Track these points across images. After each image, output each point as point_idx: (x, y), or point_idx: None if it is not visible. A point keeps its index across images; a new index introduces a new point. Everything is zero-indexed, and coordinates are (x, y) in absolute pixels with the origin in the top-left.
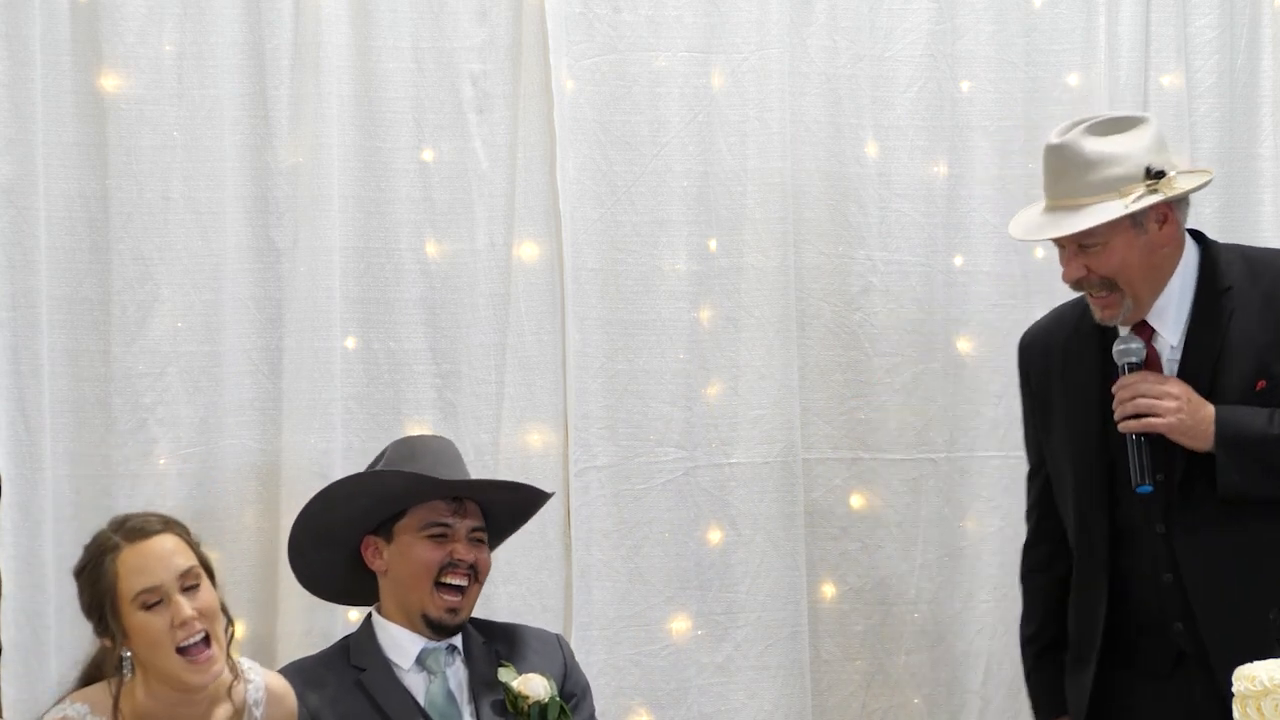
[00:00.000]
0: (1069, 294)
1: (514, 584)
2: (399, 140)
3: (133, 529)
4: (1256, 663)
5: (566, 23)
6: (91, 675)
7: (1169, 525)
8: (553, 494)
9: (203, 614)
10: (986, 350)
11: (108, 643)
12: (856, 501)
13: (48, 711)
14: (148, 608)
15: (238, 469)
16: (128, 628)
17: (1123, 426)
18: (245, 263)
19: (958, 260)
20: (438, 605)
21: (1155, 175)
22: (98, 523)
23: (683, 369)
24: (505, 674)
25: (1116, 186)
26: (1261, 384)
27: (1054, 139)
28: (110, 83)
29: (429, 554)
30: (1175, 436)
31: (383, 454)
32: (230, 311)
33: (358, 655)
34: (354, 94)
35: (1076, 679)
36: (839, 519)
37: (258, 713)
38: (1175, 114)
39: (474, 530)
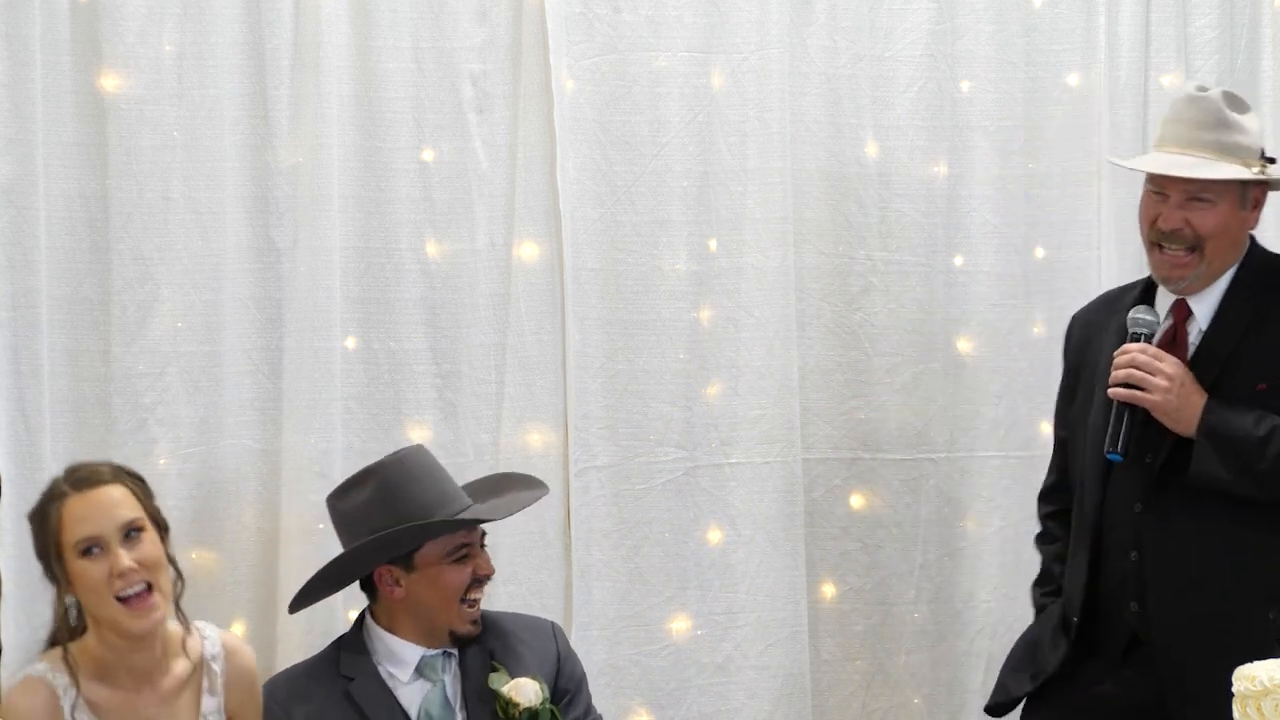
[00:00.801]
0: (1071, 294)
1: (514, 584)
2: (399, 140)
3: (81, 478)
4: (1256, 663)
5: (566, 23)
6: (56, 629)
7: (1145, 505)
8: (548, 490)
9: (144, 565)
10: (986, 350)
11: (55, 589)
12: (856, 501)
13: (16, 676)
14: (88, 555)
15: (238, 469)
16: (70, 575)
17: (1111, 393)
18: (245, 263)
19: (958, 260)
20: (463, 619)
21: (1269, 159)
22: None
23: (683, 369)
24: (496, 680)
25: (1242, 155)
26: (1262, 386)
27: (1193, 91)
28: (110, 83)
29: (457, 577)
30: (1159, 415)
31: (356, 484)
32: (230, 311)
33: (347, 664)
34: (354, 94)
35: (1056, 641)
36: (839, 519)
37: (216, 667)
38: None
39: (482, 537)
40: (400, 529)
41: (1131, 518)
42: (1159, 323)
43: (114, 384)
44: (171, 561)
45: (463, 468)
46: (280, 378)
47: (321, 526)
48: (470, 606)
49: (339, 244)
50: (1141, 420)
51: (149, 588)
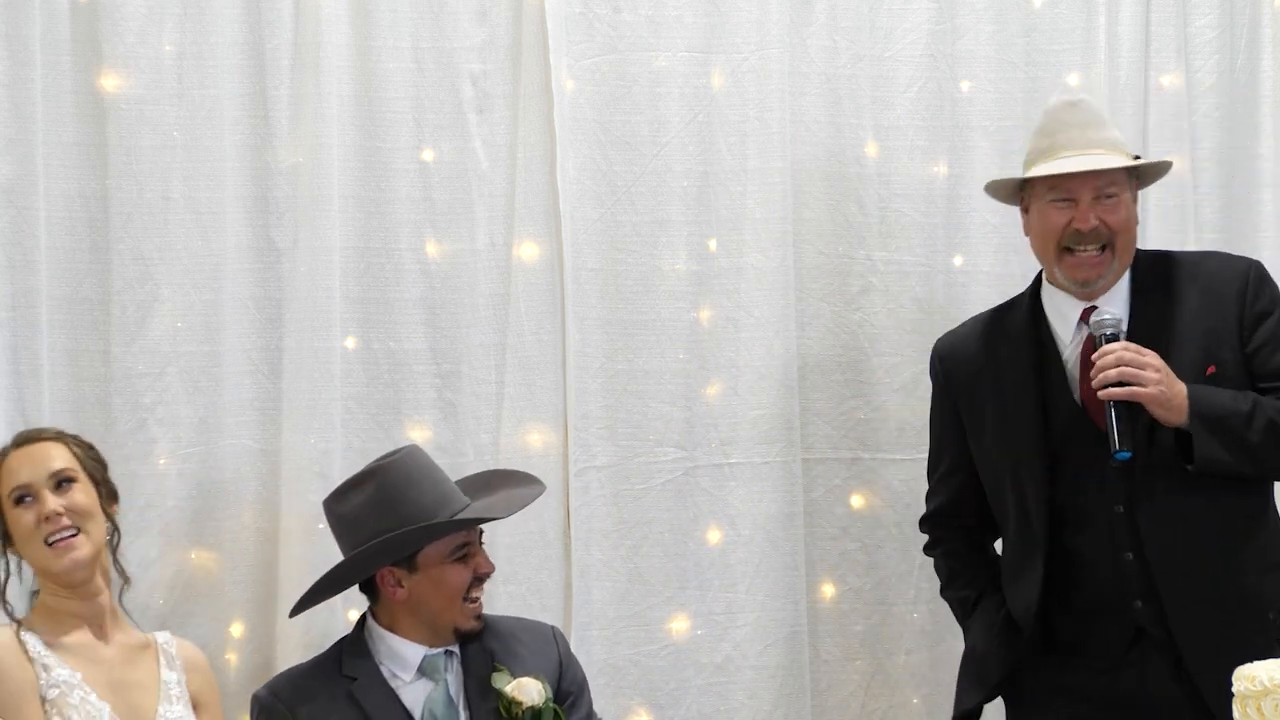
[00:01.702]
0: None
1: (514, 584)
2: (399, 140)
3: (24, 436)
4: (1256, 663)
5: (566, 23)
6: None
7: (1130, 504)
8: (544, 487)
9: (72, 510)
10: None
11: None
12: (856, 501)
13: None
14: (21, 504)
15: (237, 469)
16: (7, 524)
17: (1104, 394)
18: (245, 263)
19: (958, 260)
20: (467, 615)
21: (1134, 155)
22: None
23: (683, 369)
24: (499, 679)
25: (1124, 147)
26: (1211, 369)
27: (1068, 97)
28: (110, 83)
29: (460, 576)
30: (1153, 407)
31: (354, 487)
32: (230, 311)
33: (350, 664)
34: (354, 94)
35: (1005, 653)
36: (839, 519)
37: (170, 649)
38: (1175, 114)
39: (479, 535)
40: (403, 531)
41: (1114, 520)
42: (1120, 320)
43: (114, 384)
44: (109, 516)
45: (462, 468)
46: (280, 378)
47: (321, 526)
48: (472, 604)
49: (339, 244)
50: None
51: (77, 533)
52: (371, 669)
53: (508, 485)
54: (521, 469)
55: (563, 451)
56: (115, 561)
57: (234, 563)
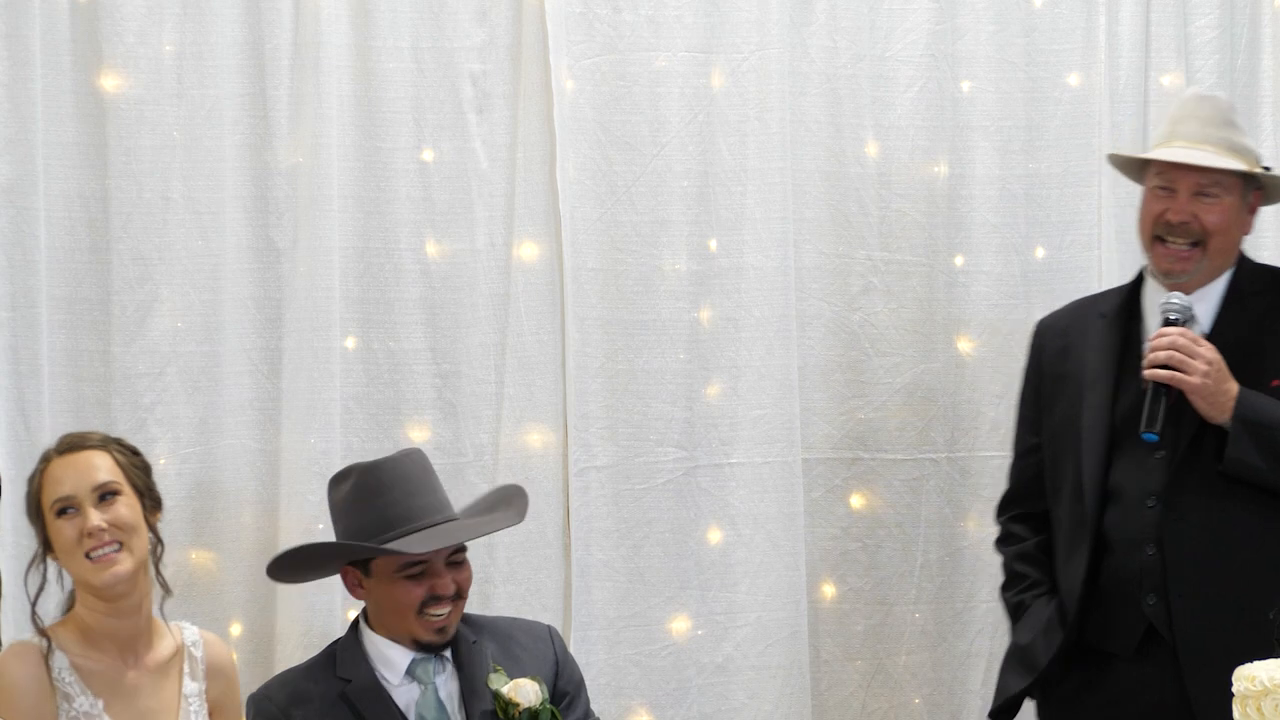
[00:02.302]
0: (1070, 294)
1: (514, 584)
2: (399, 140)
3: (68, 443)
4: (1256, 663)
5: (566, 23)
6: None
7: (1162, 498)
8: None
9: (116, 525)
10: (986, 350)
11: (39, 550)
12: (856, 501)
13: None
14: (63, 515)
15: (237, 469)
16: (49, 534)
17: (1149, 374)
18: (245, 263)
19: (958, 260)
20: (425, 629)
21: (1264, 167)
22: None
23: (683, 369)
24: (496, 680)
25: (1246, 157)
26: (1276, 382)
27: (1203, 91)
28: (110, 83)
29: (409, 593)
30: (1195, 399)
31: (342, 479)
32: (230, 311)
33: (344, 665)
34: (354, 94)
35: (1050, 639)
36: (839, 519)
37: (197, 654)
38: None
39: (453, 554)
40: (344, 544)
41: (1145, 513)
42: (1190, 307)
43: (114, 384)
44: (152, 528)
45: (462, 468)
46: (280, 378)
47: (321, 527)
48: (431, 619)
49: (339, 244)
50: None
51: (120, 548)
52: (365, 671)
53: (502, 509)
54: (521, 469)
55: (563, 451)
56: (158, 573)
57: (233, 563)
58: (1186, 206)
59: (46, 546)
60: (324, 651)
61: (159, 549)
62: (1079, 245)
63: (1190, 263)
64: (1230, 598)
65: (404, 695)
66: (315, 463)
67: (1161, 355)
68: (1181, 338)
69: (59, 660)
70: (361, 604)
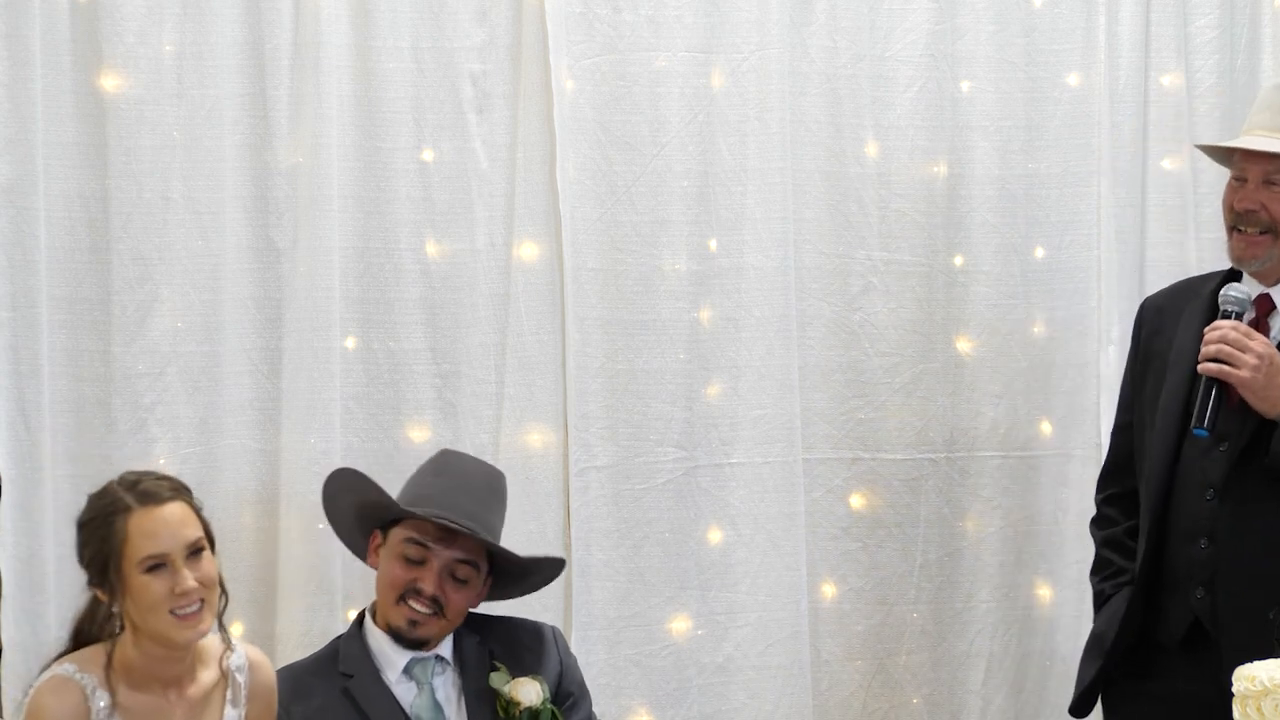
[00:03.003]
0: (1071, 294)
1: None
2: (399, 140)
3: (145, 492)
4: (1256, 663)
5: (566, 23)
6: (80, 629)
7: (1220, 492)
8: (564, 562)
9: (203, 584)
10: (986, 350)
11: (102, 596)
12: (856, 501)
13: (40, 675)
14: (152, 572)
15: (237, 469)
16: (129, 587)
17: (1201, 368)
18: (245, 263)
19: (958, 260)
20: (400, 615)
21: None
22: None
23: (683, 369)
24: (497, 679)
25: None
26: None
27: None
28: (110, 83)
29: (396, 573)
30: (1245, 393)
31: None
32: (230, 311)
33: (346, 661)
34: (354, 94)
35: (1124, 627)
36: (839, 519)
37: (240, 679)
38: (1175, 114)
39: (456, 562)
40: (376, 485)
41: (1203, 505)
42: (1249, 300)
43: (114, 384)
44: (220, 579)
45: None
46: (280, 378)
47: (321, 526)
48: (406, 609)
49: (339, 244)
50: (1223, 405)
51: (202, 605)
52: (368, 667)
53: (535, 573)
54: (521, 469)
55: (563, 451)
56: (221, 626)
57: (234, 563)
58: (1255, 194)
59: (111, 593)
60: (328, 646)
61: (223, 602)
62: (1078, 245)
63: (1260, 249)
64: (1276, 592)
65: (405, 693)
66: (315, 463)
67: (1213, 349)
68: (1233, 331)
69: (101, 698)
70: (359, 605)
